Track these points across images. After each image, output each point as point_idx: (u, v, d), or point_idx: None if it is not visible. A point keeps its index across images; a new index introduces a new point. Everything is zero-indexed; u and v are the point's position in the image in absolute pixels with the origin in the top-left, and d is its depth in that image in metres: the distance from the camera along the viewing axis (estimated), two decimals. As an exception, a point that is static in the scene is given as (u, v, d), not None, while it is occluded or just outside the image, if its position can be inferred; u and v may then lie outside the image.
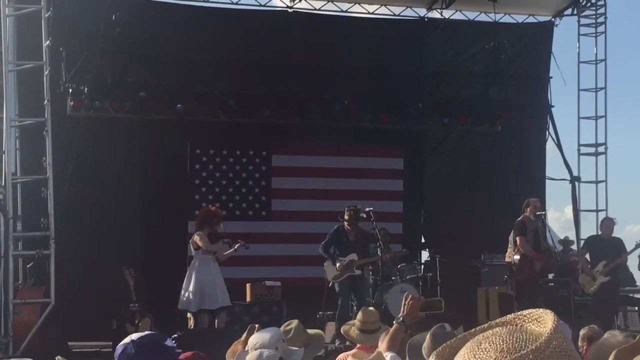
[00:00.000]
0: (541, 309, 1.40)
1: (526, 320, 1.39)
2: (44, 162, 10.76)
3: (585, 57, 15.09)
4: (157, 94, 12.49)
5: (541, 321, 1.37)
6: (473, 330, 1.42)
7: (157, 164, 13.20)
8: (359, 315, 5.27)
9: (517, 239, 11.04)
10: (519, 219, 11.22)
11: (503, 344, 1.31)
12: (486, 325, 1.42)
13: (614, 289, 11.77)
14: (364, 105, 13.55)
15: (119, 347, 3.02)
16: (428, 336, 4.05)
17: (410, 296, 4.53)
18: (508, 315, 1.43)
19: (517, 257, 11.07)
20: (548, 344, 1.30)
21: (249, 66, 13.40)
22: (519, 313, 1.41)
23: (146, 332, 3.10)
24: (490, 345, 1.32)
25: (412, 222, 14.83)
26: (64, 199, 11.41)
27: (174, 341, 3.25)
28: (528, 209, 11.19)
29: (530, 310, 1.41)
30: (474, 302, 12.28)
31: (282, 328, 4.70)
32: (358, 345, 5.13)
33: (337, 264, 11.21)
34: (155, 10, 13.12)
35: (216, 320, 10.42)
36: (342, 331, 5.53)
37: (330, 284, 11.36)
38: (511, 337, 1.32)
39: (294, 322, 4.71)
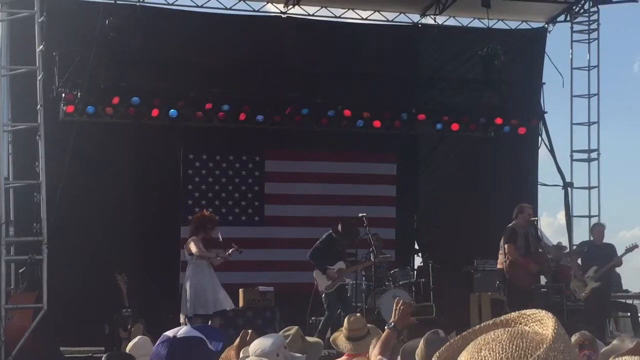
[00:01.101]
0: (544, 312, 1.38)
1: (529, 321, 1.38)
2: (37, 167, 10.75)
3: (578, 63, 15.18)
4: (151, 98, 12.47)
5: (543, 324, 1.35)
6: (478, 327, 1.41)
7: (150, 169, 13.17)
8: (345, 323, 5.23)
9: (506, 246, 11.10)
10: (510, 225, 11.26)
11: (502, 353, 1.30)
12: (491, 322, 1.41)
13: (605, 294, 11.80)
14: (357, 110, 13.54)
15: (163, 337, 2.82)
16: (421, 342, 4.05)
17: (401, 302, 4.53)
18: (512, 314, 1.41)
19: (507, 263, 11.14)
20: (546, 355, 1.29)
21: (243, 71, 13.39)
22: (522, 312, 1.40)
23: (189, 334, 2.81)
24: (490, 354, 1.31)
25: (405, 227, 14.83)
26: (57, 204, 11.39)
27: (221, 344, 2.99)
28: (521, 215, 11.22)
29: (533, 311, 1.39)
30: (467, 308, 12.27)
31: (280, 334, 4.69)
32: (346, 353, 5.10)
33: (327, 272, 11.29)
34: (149, 15, 13.13)
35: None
36: (330, 340, 5.51)
37: (323, 295, 11.37)
38: (511, 345, 1.31)
39: (293, 329, 4.71)
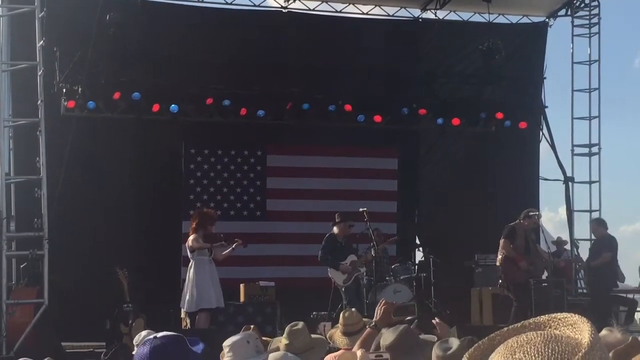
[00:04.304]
0: (577, 316, 1.35)
1: (560, 325, 1.35)
2: (38, 162, 10.75)
3: (578, 57, 15.15)
4: (152, 94, 12.47)
5: (576, 329, 1.32)
6: (505, 329, 1.38)
7: (151, 164, 13.18)
8: (341, 318, 5.27)
9: (501, 241, 11.20)
10: (511, 223, 11.32)
11: (538, 357, 1.26)
12: (519, 325, 1.37)
13: (602, 289, 11.93)
14: (358, 105, 13.54)
15: (144, 341, 2.87)
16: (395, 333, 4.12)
17: (383, 301, 4.64)
18: (542, 317, 1.38)
19: (501, 257, 11.26)
20: None
21: (244, 66, 13.38)
22: (552, 316, 1.37)
23: (169, 333, 2.87)
24: (525, 356, 1.27)
25: (406, 222, 14.85)
26: (58, 199, 11.39)
27: (202, 346, 3.00)
28: (527, 219, 11.29)
29: (564, 315, 1.36)
30: (468, 303, 12.31)
31: (288, 328, 4.72)
32: (343, 348, 5.11)
33: (341, 268, 11.48)
34: (150, 10, 13.09)
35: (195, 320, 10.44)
36: (327, 336, 5.52)
37: (343, 289, 11.48)
38: (546, 349, 1.26)
39: (300, 324, 4.74)
